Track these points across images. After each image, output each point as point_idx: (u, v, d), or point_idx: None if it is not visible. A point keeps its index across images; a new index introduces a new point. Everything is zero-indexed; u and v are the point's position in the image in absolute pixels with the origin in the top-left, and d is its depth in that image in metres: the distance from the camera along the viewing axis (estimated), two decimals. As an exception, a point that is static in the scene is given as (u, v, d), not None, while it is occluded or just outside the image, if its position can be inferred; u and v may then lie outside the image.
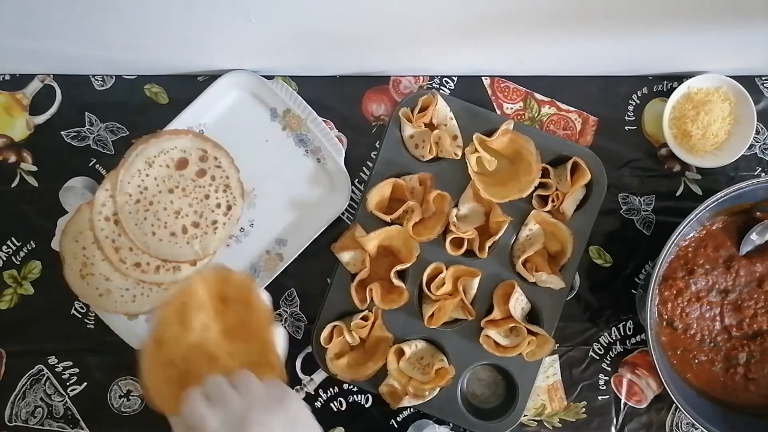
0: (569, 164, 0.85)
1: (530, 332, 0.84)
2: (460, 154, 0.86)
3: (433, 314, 0.84)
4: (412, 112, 0.86)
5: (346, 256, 0.85)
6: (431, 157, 0.87)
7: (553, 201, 0.86)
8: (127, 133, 0.90)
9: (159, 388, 0.62)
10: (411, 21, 0.74)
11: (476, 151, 0.84)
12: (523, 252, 0.86)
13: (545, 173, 0.86)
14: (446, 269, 0.85)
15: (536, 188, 0.86)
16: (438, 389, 0.84)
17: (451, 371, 0.83)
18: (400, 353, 0.85)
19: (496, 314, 0.84)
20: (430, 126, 0.87)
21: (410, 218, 0.84)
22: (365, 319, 0.85)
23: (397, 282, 0.85)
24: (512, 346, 0.84)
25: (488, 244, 0.84)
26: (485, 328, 0.84)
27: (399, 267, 0.84)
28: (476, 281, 0.84)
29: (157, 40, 0.79)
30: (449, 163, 0.87)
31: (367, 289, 0.84)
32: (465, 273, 0.85)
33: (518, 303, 0.85)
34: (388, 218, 0.85)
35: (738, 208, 0.85)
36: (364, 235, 0.84)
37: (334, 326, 0.85)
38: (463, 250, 0.85)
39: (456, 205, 0.87)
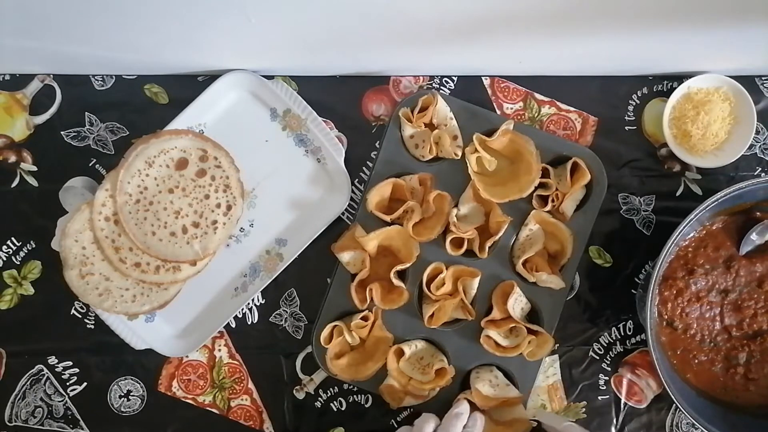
0: (569, 164, 0.85)
1: (530, 332, 0.84)
2: (460, 154, 0.86)
3: (433, 314, 0.84)
4: (412, 112, 0.86)
5: (346, 256, 0.85)
6: (431, 157, 0.87)
7: (553, 201, 0.86)
8: (127, 133, 0.90)
9: None
10: (411, 21, 0.74)
11: (476, 151, 0.84)
12: (523, 252, 0.86)
13: (545, 173, 0.86)
14: (446, 269, 0.85)
15: (536, 188, 0.86)
16: (438, 389, 0.84)
17: (451, 371, 0.83)
18: (400, 353, 0.85)
19: (496, 314, 0.84)
20: (430, 126, 0.87)
21: (410, 218, 0.84)
22: (365, 319, 0.85)
23: (397, 282, 0.85)
24: (512, 347, 0.84)
25: (488, 244, 0.84)
26: (485, 329, 0.84)
27: (399, 267, 0.84)
28: (476, 281, 0.84)
29: (157, 40, 0.79)
30: (449, 163, 0.87)
31: (367, 289, 0.84)
32: (465, 273, 0.85)
33: (517, 303, 0.85)
34: (388, 218, 0.85)
35: (738, 208, 0.85)
36: (364, 235, 0.84)
37: (334, 326, 0.85)
38: (463, 250, 0.85)
39: (456, 205, 0.87)
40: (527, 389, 0.87)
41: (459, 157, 0.86)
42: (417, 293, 0.87)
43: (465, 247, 0.85)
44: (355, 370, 0.85)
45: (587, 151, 0.87)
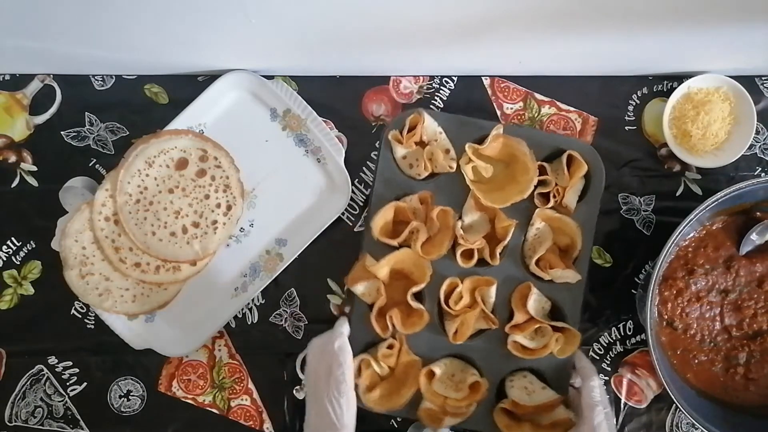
0: (564, 158, 0.84)
1: (556, 329, 0.82)
2: (455, 166, 0.84)
3: (457, 330, 0.82)
4: (401, 133, 0.84)
5: (360, 288, 0.82)
6: (427, 174, 0.85)
7: (554, 196, 0.85)
8: (127, 133, 0.90)
9: None
10: (411, 21, 0.74)
11: (470, 160, 0.83)
12: (534, 252, 0.84)
13: (542, 170, 0.85)
14: (462, 282, 0.83)
15: (536, 187, 0.85)
16: (475, 404, 0.81)
17: (485, 384, 0.81)
18: (431, 375, 0.82)
19: (518, 318, 0.82)
20: (421, 144, 0.85)
21: (417, 238, 0.82)
22: (391, 347, 0.83)
23: (415, 304, 0.82)
24: (541, 347, 0.82)
25: (498, 250, 0.82)
26: (511, 334, 0.82)
27: (415, 289, 0.82)
28: (493, 289, 0.82)
29: (158, 40, 0.79)
30: (446, 177, 0.85)
31: (387, 317, 0.81)
32: (481, 283, 0.83)
33: (537, 303, 0.83)
34: (395, 242, 0.83)
35: (738, 208, 0.85)
36: (375, 263, 0.81)
37: (362, 359, 0.82)
38: (474, 261, 0.84)
39: (460, 217, 0.85)
40: (564, 387, 0.83)
41: (454, 170, 0.84)
42: (437, 311, 0.84)
43: (476, 257, 0.84)
44: (389, 400, 0.82)
45: (579, 142, 0.86)
